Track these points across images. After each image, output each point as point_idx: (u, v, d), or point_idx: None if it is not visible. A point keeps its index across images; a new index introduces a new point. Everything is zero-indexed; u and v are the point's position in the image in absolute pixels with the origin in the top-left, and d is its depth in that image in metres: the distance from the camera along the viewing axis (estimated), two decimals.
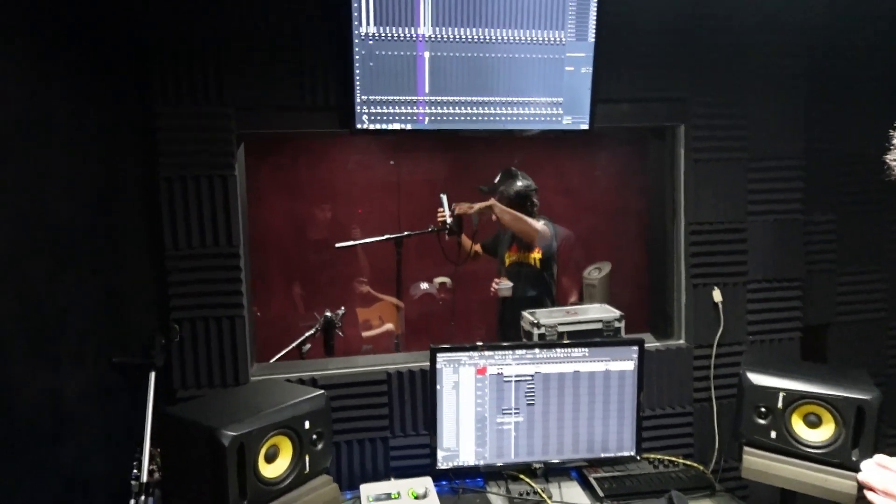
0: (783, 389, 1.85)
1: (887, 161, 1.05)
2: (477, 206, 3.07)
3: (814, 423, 1.85)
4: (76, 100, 1.87)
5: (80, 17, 1.89)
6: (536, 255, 3.13)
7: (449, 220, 3.10)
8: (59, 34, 1.79)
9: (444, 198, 3.11)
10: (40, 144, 1.69)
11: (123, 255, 2.11)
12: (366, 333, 4.11)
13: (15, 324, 1.55)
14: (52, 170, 1.75)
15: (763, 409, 1.88)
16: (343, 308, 3.08)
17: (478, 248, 3.40)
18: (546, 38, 2.21)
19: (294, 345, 2.86)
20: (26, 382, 1.59)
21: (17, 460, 1.54)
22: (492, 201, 3.09)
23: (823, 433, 1.83)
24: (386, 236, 3.16)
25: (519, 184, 3.18)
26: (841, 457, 1.79)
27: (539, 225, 3.10)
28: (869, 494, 0.94)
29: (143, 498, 1.87)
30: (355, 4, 2.05)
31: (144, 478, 1.88)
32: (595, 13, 2.20)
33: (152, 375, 2.03)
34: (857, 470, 1.76)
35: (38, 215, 1.67)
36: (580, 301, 3.88)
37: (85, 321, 1.88)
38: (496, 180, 3.25)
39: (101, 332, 1.98)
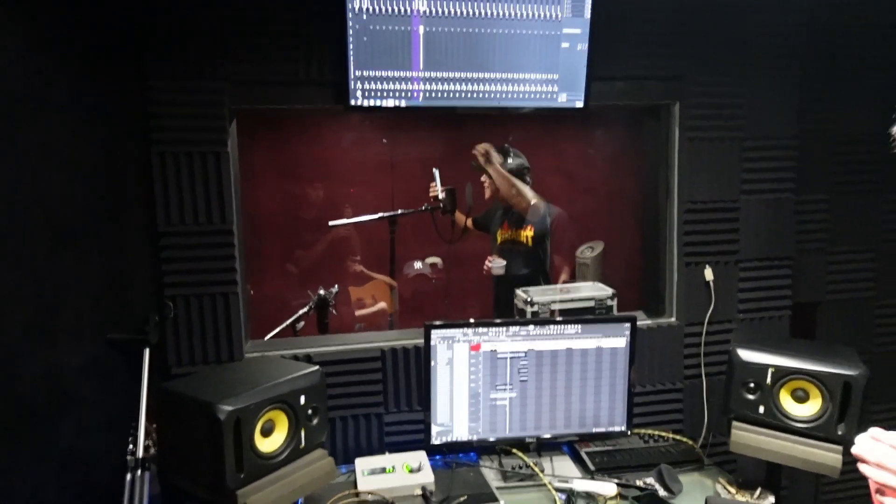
0: (772, 365, 1.89)
1: (893, 134, 1.05)
2: (479, 147, 3.04)
3: (801, 398, 1.88)
4: (74, 76, 1.85)
5: None
6: (528, 232, 3.13)
7: (441, 195, 3.09)
8: (55, 9, 1.76)
9: (436, 172, 3.10)
10: (38, 121, 1.67)
11: (122, 232, 2.10)
12: (359, 312, 4.12)
13: (14, 301, 1.55)
14: (50, 147, 1.73)
15: (752, 385, 1.91)
16: (337, 286, 3.09)
17: (469, 223, 3.40)
18: (542, 14, 2.19)
19: (288, 322, 2.87)
20: (25, 358, 1.59)
21: (17, 435, 1.55)
22: (490, 151, 3.05)
23: (810, 408, 1.87)
24: (379, 215, 3.15)
25: (510, 161, 3.16)
26: (827, 431, 1.83)
27: (531, 194, 3.08)
28: (861, 466, 0.97)
29: (139, 472, 1.89)
30: None
31: (140, 453, 1.90)
32: None
33: (147, 352, 2.04)
34: (842, 443, 1.82)
35: (36, 193, 1.66)
36: (573, 280, 3.91)
37: (83, 298, 1.88)
38: None
39: (100, 309, 1.98)
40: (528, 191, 3.08)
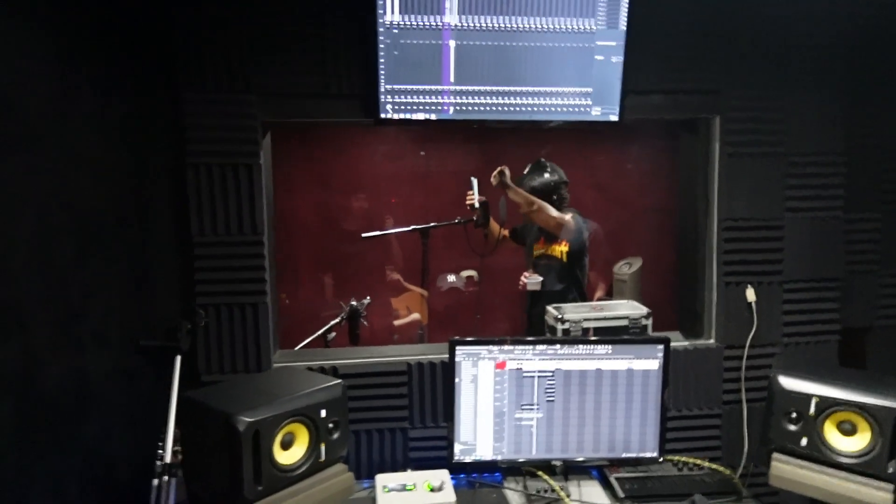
0: (816, 395, 1.77)
1: None
2: (494, 174, 2.95)
3: (848, 431, 1.76)
4: (105, 86, 1.91)
5: (108, 2, 1.92)
6: (563, 248, 3.06)
7: (477, 204, 3.04)
8: (86, 20, 1.82)
9: (474, 181, 3.04)
10: (69, 131, 1.73)
11: (150, 240, 2.16)
12: (395, 322, 4.13)
13: (41, 305, 1.60)
14: (80, 155, 1.78)
15: (794, 415, 1.81)
16: (368, 297, 3.09)
17: (506, 233, 3.33)
18: (576, 27, 2.16)
19: (318, 334, 2.88)
20: (50, 362, 1.63)
21: (41, 437, 1.59)
22: (505, 171, 2.96)
23: (858, 442, 1.75)
24: (412, 227, 3.15)
25: (546, 176, 3.11)
26: (876, 467, 1.71)
27: (557, 214, 2.99)
28: None
29: (165, 478, 1.91)
30: None
31: (168, 458, 1.92)
32: (627, 0, 2.13)
33: (178, 359, 2.06)
34: (892, 481, 1.69)
35: (65, 200, 1.71)
36: (609, 296, 3.81)
37: (110, 304, 1.93)
38: (525, 172, 3.20)
39: (126, 315, 2.02)
40: (551, 210, 2.99)
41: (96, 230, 1.85)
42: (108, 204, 1.93)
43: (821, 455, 1.77)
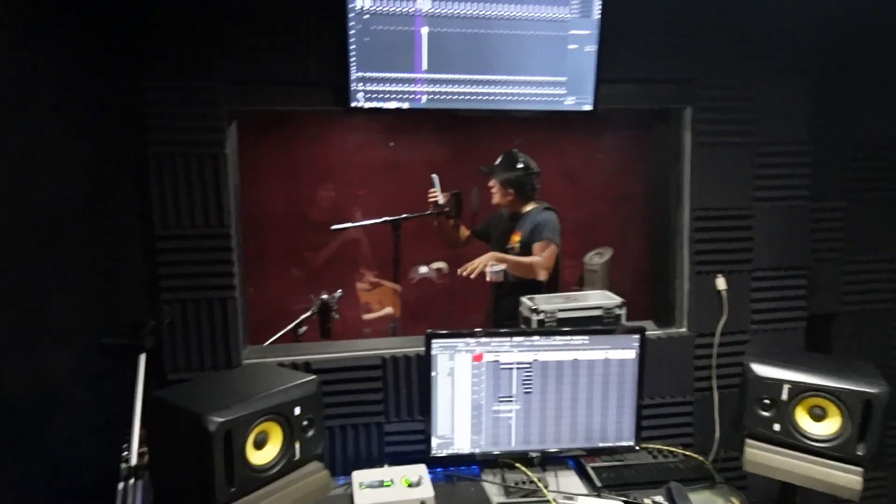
0: (789, 381, 1.80)
1: None
2: (478, 262, 2.80)
3: (819, 415, 1.80)
4: (65, 74, 1.81)
5: None
6: (552, 249, 2.99)
7: (441, 201, 3.02)
8: (45, 7, 1.72)
9: (435, 178, 3.05)
10: (26, 121, 1.63)
11: (114, 234, 2.06)
12: (366, 316, 4.07)
13: None
14: (38, 147, 1.69)
15: (767, 401, 1.83)
16: (340, 291, 3.03)
17: (467, 232, 3.33)
18: (549, 15, 2.14)
19: (289, 328, 2.81)
20: (9, 363, 1.54)
21: (3, 441, 1.50)
22: (493, 255, 2.89)
23: (829, 426, 1.79)
24: (383, 219, 3.09)
25: (519, 166, 3.10)
26: (846, 451, 1.75)
27: (538, 259, 2.91)
28: None
29: (132, 481, 1.84)
30: None
31: (134, 461, 1.85)
32: None
33: (142, 357, 1.98)
34: (862, 464, 1.73)
35: (23, 193, 1.62)
36: (580, 287, 3.83)
37: (71, 301, 1.84)
38: (496, 162, 3.17)
39: (90, 312, 1.93)
40: (531, 260, 2.89)
41: (56, 224, 1.76)
42: (68, 196, 1.83)
43: (793, 440, 1.81)
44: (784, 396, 1.80)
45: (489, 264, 2.88)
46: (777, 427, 1.82)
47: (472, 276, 2.80)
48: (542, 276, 2.92)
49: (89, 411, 1.89)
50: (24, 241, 1.61)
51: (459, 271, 2.84)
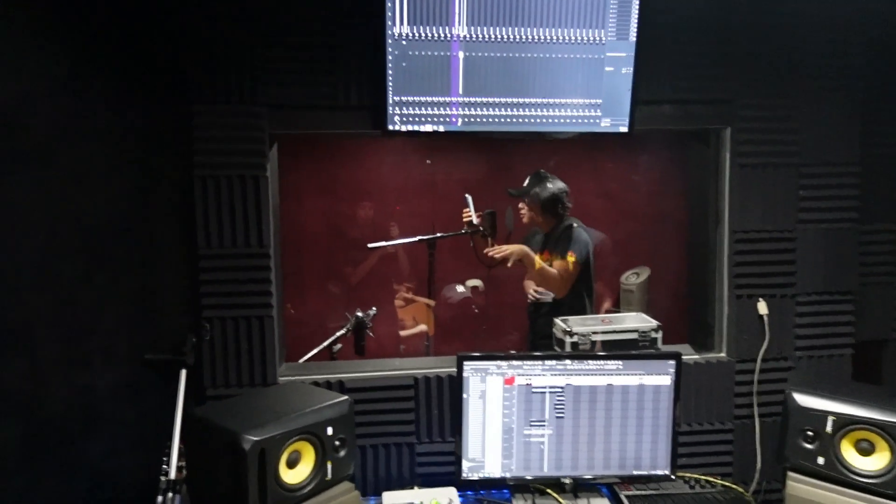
0: (833, 413, 1.74)
1: None
2: (508, 249, 2.95)
3: (866, 450, 1.73)
4: (114, 101, 1.90)
5: (117, 17, 1.91)
6: (570, 258, 3.04)
7: (475, 220, 3.05)
8: (96, 35, 1.82)
9: (468, 198, 3.07)
10: (79, 147, 1.72)
11: (157, 254, 2.14)
12: (401, 333, 4.10)
13: (48, 323, 1.58)
14: (89, 172, 1.78)
15: (810, 433, 1.77)
16: (374, 308, 3.06)
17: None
18: (585, 38, 2.14)
19: (323, 346, 2.85)
20: (58, 380, 1.62)
21: (48, 455, 1.57)
22: (523, 249, 2.99)
23: (877, 462, 1.71)
24: (418, 238, 3.13)
25: (549, 186, 3.11)
26: (895, 488, 1.67)
27: (553, 271, 3.02)
28: None
29: (170, 495, 1.89)
30: (389, 4, 2.02)
31: (173, 475, 1.90)
32: (637, 11, 2.11)
33: (183, 373, 2.04)
34: None
35: (73, 217, 1.70)
36: (616, 307, 3.77)
37: (117, 320, 1.91)
38: (525, 183, 3.20)
39: (133, 330, 2.00)
40: (551, 270, 3.01)
41: (104, 245, 1.84)
42: (115, 219, 1.92)
43: (838, 474, 1.73)
44: (828, 429, 1.74)
45: (539, 290, 3.06)
46: (821, 460, 1.75)
47: (497, 256, 2.94)
48: (561, 292, 2.96)
49: (131, 425, 1.95)
50: (74, 264, 1.69)
51: (486, 250, 2.98)
